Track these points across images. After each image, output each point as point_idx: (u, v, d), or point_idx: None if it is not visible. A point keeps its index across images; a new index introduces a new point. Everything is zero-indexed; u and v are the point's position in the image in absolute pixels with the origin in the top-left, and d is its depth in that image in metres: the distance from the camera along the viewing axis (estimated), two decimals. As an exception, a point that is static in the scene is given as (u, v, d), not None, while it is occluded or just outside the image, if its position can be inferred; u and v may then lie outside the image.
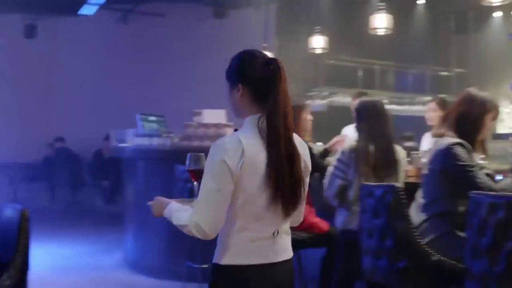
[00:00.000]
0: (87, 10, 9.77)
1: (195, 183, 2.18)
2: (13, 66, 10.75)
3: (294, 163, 1.84)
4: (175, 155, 5.44)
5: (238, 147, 1.78)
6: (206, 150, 5.57)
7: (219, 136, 5.38)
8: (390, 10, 5.38)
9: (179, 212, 1.86)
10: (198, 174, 2.01)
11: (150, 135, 5.70)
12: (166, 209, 1.93)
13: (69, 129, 10.65)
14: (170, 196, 4.34)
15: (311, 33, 6.57)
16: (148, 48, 10.30)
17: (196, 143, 5.40)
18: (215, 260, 1.88)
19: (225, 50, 9.67)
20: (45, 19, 10.57)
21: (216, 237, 1.88)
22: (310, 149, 3.71)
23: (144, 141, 5.65)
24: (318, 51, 6.57)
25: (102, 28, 10.66)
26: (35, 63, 10.91)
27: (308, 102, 8.52)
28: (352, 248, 3.27)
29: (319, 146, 4.83)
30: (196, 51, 9.91)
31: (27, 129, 10.82)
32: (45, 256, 6.40)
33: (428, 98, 6.68)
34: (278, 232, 1.88)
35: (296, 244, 3.58)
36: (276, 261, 1.87)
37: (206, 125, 5.40)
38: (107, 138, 9.31)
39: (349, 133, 5.54)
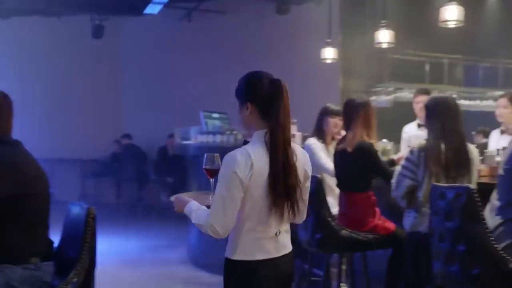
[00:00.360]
0: (151, 9, 9.94)
1: (211, 179, 2.49)
2: (82, 65, 11.10)
3: (290, 172, 2.09)
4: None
5: (247, 161, 2.04)
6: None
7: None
8: (460, 1, 5.13)
9: (198, 212, 2.15)
10: (213, 172, 2.43)
11: (214, 133, 5.72)
12: (186, 207, 2.21)
13: (135, 126, 10.90)
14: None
15: (376, 27, 6.37)
16: (211, 46, 10.37)
17: (259, 141, 5.36)
18: (226, 255, 2.17)
19: (289, 47, 9.66)
20: (111, 19, 10.84)
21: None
22: (375, 153, 3.62)
23: (208, 139, 5.68)
24: (384, 46, 6.35)
25: (166, 26, 10.81)
26: (103, 62, 11.22)
27: (373, 98, 8.34)
28: (421, 252, 3.13)
29: (384, 143, 4.68)
30: (259, 48, 9.87)
31: (96, 127, 11.15)
32: (110, 251, 6.56)
33: (500, 92, 6.36)
34: (280, 232, 2.17)
35: (363, 246, 3.54)
36: (277, 255, 2.16)
37: (269, 122, 5.34)
38: (171, 135, 9.44)
39: (410, 131, 5.37)
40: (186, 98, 10.15)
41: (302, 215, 2.25)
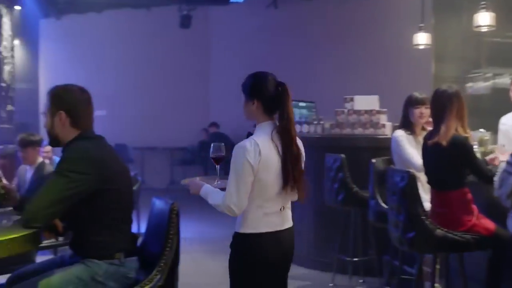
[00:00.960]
0: (238, -3, 9.91)
1: (217, 166, 2.96)
2: (171, 55, 11.31)
3: (299, 160, 2.48)
4: (326, 143, 5.28)
5: (256, 148, 2.37)
6: (357, 138, 5.24)
7: (371, 123, 5.12)
8: None
9: (214, 194, 2.49)
10: (218, 160, 2.92)
11: (300, 122, 5.59)
12: (202, 189, 2.55)
13: (223, 114, 10.96)
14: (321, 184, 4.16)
15: (474, 9, 5.93)
16: (298, 32, 10.20)
17: (347, 131, 5.19)
18: (236, 230, 2.49)
19: (378, 32, 9.22)
20: (199, 9, 10.94)
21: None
22: (471, 148, 3.33)
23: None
24: (484, 29, 5.89)
25: (253, 14, 10.76)
26: (191, 52, 11.38)
27: (469, 84, 7.86)
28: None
29: (482, 133, 4.36)
30: (347, 34, 9.59)
31: (184, 116, 11.35)
32: (197, 239, 6.62)
33: None
34: (284, 208, 2.50)
35: (459, 246, 3.29)
36: (281, 229, 2.48)
37: (358, 112, 5.16)
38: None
39: (508, 122, 4.96)
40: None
41: (297, 194, 2.54)
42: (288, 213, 2.54)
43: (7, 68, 9.23)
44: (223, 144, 2.91)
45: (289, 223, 2.53)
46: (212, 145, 2.91)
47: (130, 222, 2.48)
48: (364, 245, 4.82)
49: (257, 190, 2.41)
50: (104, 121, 11.88)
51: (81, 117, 2.43)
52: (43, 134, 6.66)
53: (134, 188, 6.89)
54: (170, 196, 2.89)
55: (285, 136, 2.42)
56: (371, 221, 4.29)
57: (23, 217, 2.22)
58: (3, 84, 9.01)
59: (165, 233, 2.41)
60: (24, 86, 11.43)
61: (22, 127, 8.98)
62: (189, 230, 7.16)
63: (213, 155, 2.93)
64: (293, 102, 6.07)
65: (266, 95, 2.47)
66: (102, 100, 11.63)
